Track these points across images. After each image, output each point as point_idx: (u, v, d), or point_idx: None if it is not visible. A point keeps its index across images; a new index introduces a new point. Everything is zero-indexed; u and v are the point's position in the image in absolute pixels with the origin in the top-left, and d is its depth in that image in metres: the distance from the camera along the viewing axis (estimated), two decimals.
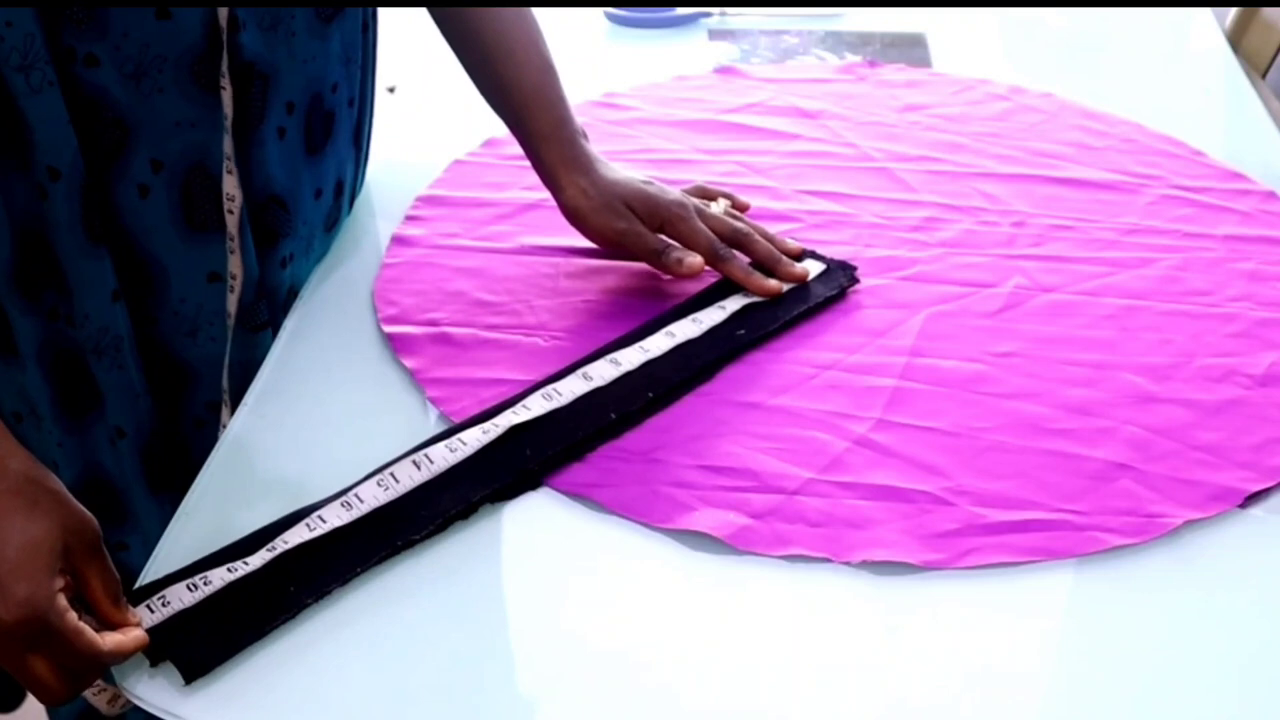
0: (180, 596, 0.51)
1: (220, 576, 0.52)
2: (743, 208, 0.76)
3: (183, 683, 0.49)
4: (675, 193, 0.72)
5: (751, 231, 0.72)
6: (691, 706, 0.49)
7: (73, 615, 0.46)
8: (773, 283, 0.70)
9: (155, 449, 0.68)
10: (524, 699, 0.50)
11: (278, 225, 0.68)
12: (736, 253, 0.71)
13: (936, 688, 0.50)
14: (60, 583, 0.47)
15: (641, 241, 0.71)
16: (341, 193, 0.75)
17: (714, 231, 0.71)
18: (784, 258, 0.72)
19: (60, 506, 0.47)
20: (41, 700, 0.48)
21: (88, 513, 0.48)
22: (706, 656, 0.51)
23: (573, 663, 0.51)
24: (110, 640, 0.48)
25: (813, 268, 0.72)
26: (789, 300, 0.70)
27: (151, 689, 0.49)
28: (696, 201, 0.73)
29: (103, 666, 0.48)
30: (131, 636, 0.49)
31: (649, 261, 0.71)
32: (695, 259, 0.70)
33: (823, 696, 0.49)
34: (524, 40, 0.72)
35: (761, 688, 0.50)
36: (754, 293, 0.70)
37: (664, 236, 0.71)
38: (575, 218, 0.72)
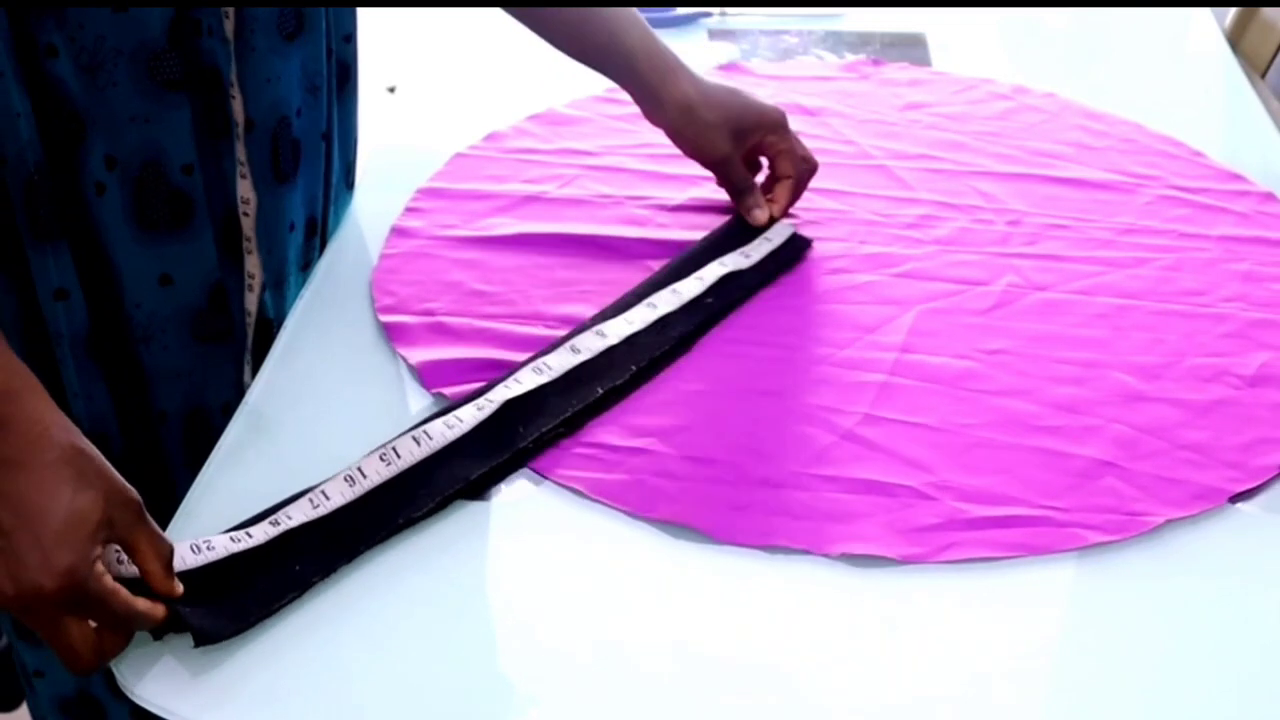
0: (183, 557, 0.52)
1: (224, 545, 0.53)
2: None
3: (181, 679, 0.49)
4: (773, 104, 0.75)
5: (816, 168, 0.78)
6: (671, 693, 0.50)
7: (109, 578, 0.47)
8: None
9: (113, 448, 0.68)
10: (507, 684, 0.50)
11: (239, 237, 0.68)
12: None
13: (913, 679, 0.50)
14: (99, 550, 0.47)
15: (735, 173, 0.75)
16: (315, 233, 0.75)
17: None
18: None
19: (104, 479, 0.48)
20: (68, 667, 0.48)
21: (129, 485, 0.49)
22: (685, 644, 0.52)
23: (555, 649, 0.51)
24: (143, 602, 0.49)
25: (780, 233, 0.75)
26: (754, 273, 0.72)
27: (152, 689, 0.50)
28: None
29: (136, 627, 0.49)
30: (160, 606, 0.49)
31: (728, 189, 0.76)
32: (763, 213, 0.75)
33: (800, 685, 0.50)
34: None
35: (740, 676, 0.50)
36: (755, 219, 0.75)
37: (750, 176, 0.76)
38: (678, 137, 0.74)
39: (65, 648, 0.48)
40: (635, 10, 0.73)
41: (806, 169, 0.77)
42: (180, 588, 0.50)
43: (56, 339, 0.64)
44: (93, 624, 0.48)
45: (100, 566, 0.47)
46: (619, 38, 0.72)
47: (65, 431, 0.48)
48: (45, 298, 0.62)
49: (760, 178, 0.78)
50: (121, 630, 0.49)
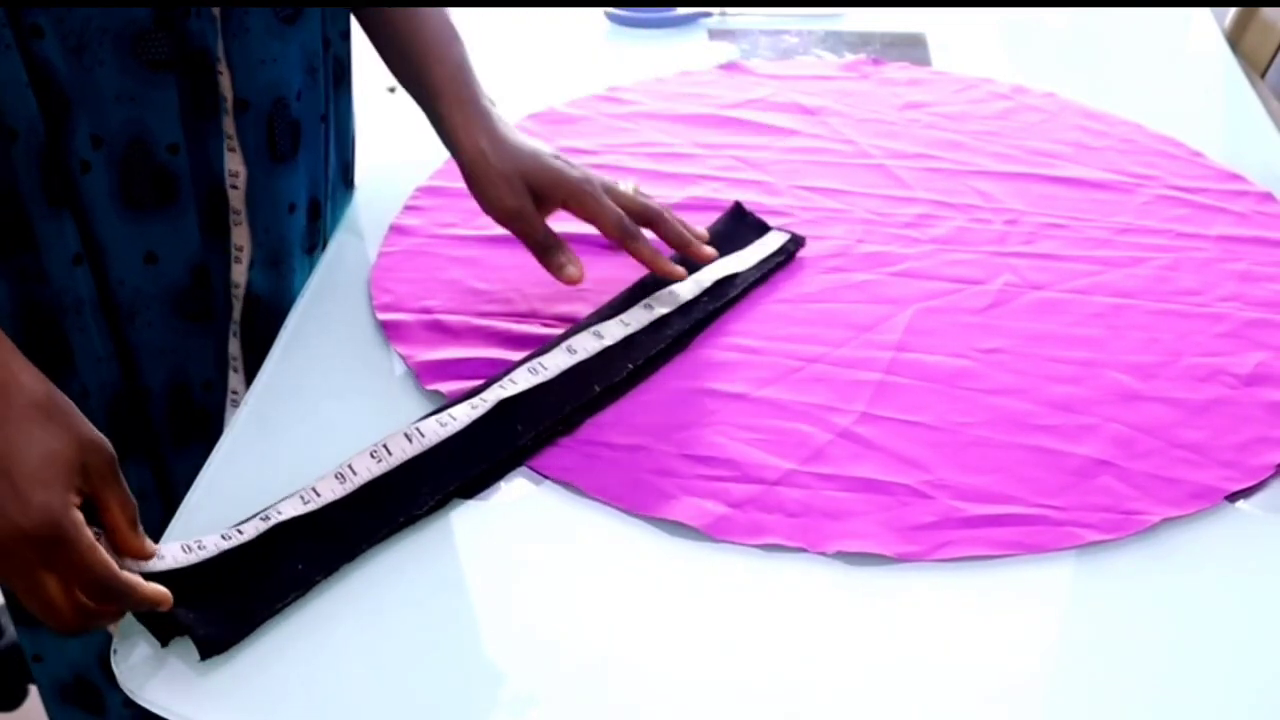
0: (175, 555, 0.52)
1: (214, 543, 0.53)
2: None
3: (181, 678, 0.49)
4: (583, 169, 0.69)
5: (662, 211, 0.70)
6: (668, 691, 0.50)
7: (89, 532, 0.46)
8: (679, 269, 0.69)
9: (121, 411, 0.69)
10: (506, 683, 0.50)
11: (224, 215, 0.69)
12: (644, 233, 0.69)
13: (909, 677, 0.50)
14: (77, 499, 0.47)
15: (531, 229, 0.68)
16: (318, 216, 0.76)
17: (624, 209, 0.68)
18: (694, 240, 0.70)
19: (76, 424, 0.48)
20: (53, 626, 0.47)
21: (102, 436, 0.49)
22: (682, 641, 0.52)
23: (553, 648, 0.52)
24: (129, 574, 0.48)
25: (775, 239, 0.74)
26: (750, 273, 0.72)
27: (152, 688, 0.50)
28: (605, 179, 0.70)
29: (116, 595, 0.48)
30: (151, 586, 0.49)
31: (533, 252, 0.68)
32: (575, 269, 0.67)
33: (796, 683, 0.50)
34: (429, 10, 0.69)
35: (736, 673, 0.50)
36: (659, 275, 0.69)
37: (554, 233, 0.69)
38: (470, 185, 0.68)
39: (44, 601, 0.47)
40: (451, 42, 0.69)
41: (650, 215, 0.69)
42: (153, 547, 0.50)
43: (77, 307, 0.64)
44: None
45: (79, 516, 0.46)
46: (426, 71, 0.68)
47: (36, 380, 0.48)
48: (63, 266, 0.63)
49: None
50: (101, 596, 0.47)
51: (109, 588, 0.47)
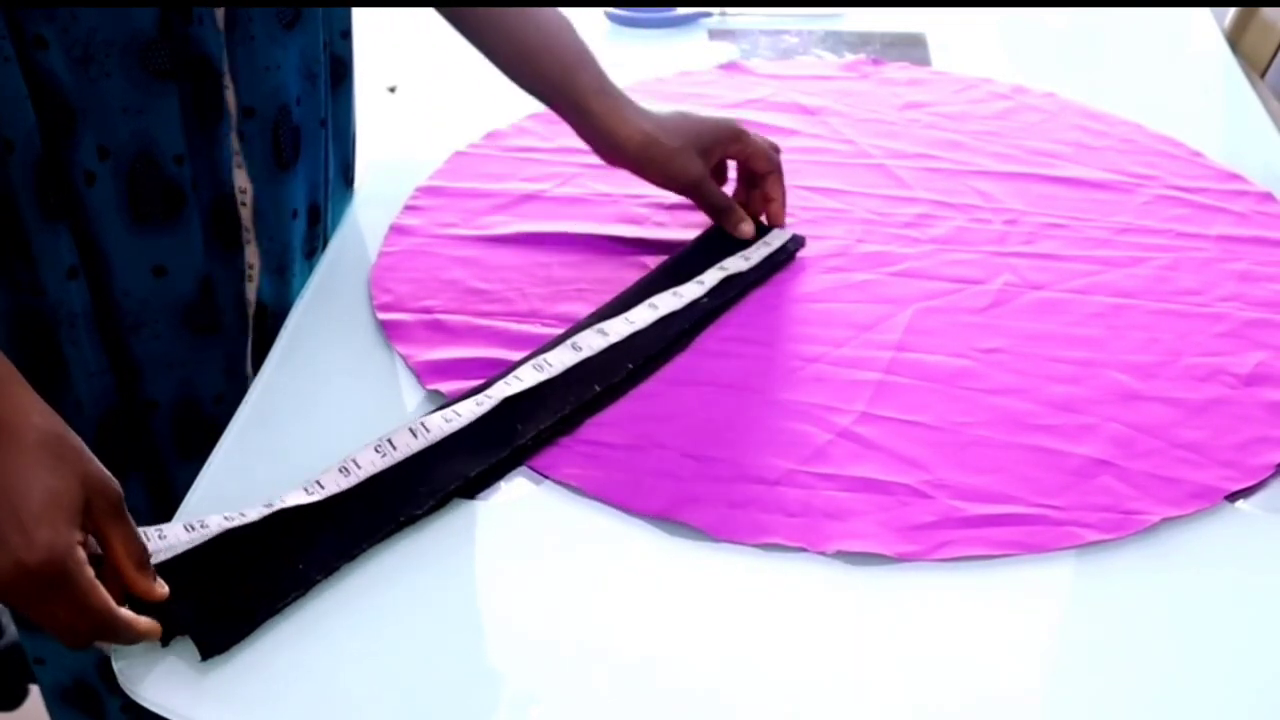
0: (177, 535, 0.52)
1: (217, 523, 0.53)
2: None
3: (181, 677, 0.49)
4: (715, 117, 0.74)
5: (780, 163, 0.76)
6: (666, 692, 0.50)
7: (90, 571, 0.47)
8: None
9: (117, 426, 0.69)
10: (506, 682, 0.50)
11: (231, 228, 0.69)
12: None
13: (909, 676, 0.50)
14: (80, 536, 0.47)
15: (711, 194, 0.74)
16: (317, 220, 0.76)
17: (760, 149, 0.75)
18: (781, 201, 0.76)
19: (83, 463, 0.48)
20: (66, 644, 0.48)
21: (109, 474, 0.49)
22: (682, 641, 0.52)
23: (554, 648, 0.52)
24: (125, 611, 0.48)
25: (777, 239, 0.75)
26: (752, 273, 0.72)
27: (151, 688, 0.50)
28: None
29: (112, 633, 0.48)
30: (145, 621, 0.49)
31: (711, 215, 0.75)
32: (750, 226, 0.74)
33: (796, 682, 0.50)
34: (548, 12, 0.71)
35: (736, 673, 0.50)
36: (770, 221, 0.75)
37: (727, 195, 0.75)
38: (642, 169, 0.72)
39: (54, 624, 0.47)
40: (586, 46, 0.71)
41: (778, 159, 0.76)
42: (163, 589, 0.50)
43: (70, 320, 0.64)
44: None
45: (83, 554, 0.47)
46: (571, 76, 0.70)
47: (45, 417, 0.48)
48: (57, 279, 0.62)
49: (729, 189, 0.77)
50: (97, 635, 0.48)
51: (105, 626, 0.48)
